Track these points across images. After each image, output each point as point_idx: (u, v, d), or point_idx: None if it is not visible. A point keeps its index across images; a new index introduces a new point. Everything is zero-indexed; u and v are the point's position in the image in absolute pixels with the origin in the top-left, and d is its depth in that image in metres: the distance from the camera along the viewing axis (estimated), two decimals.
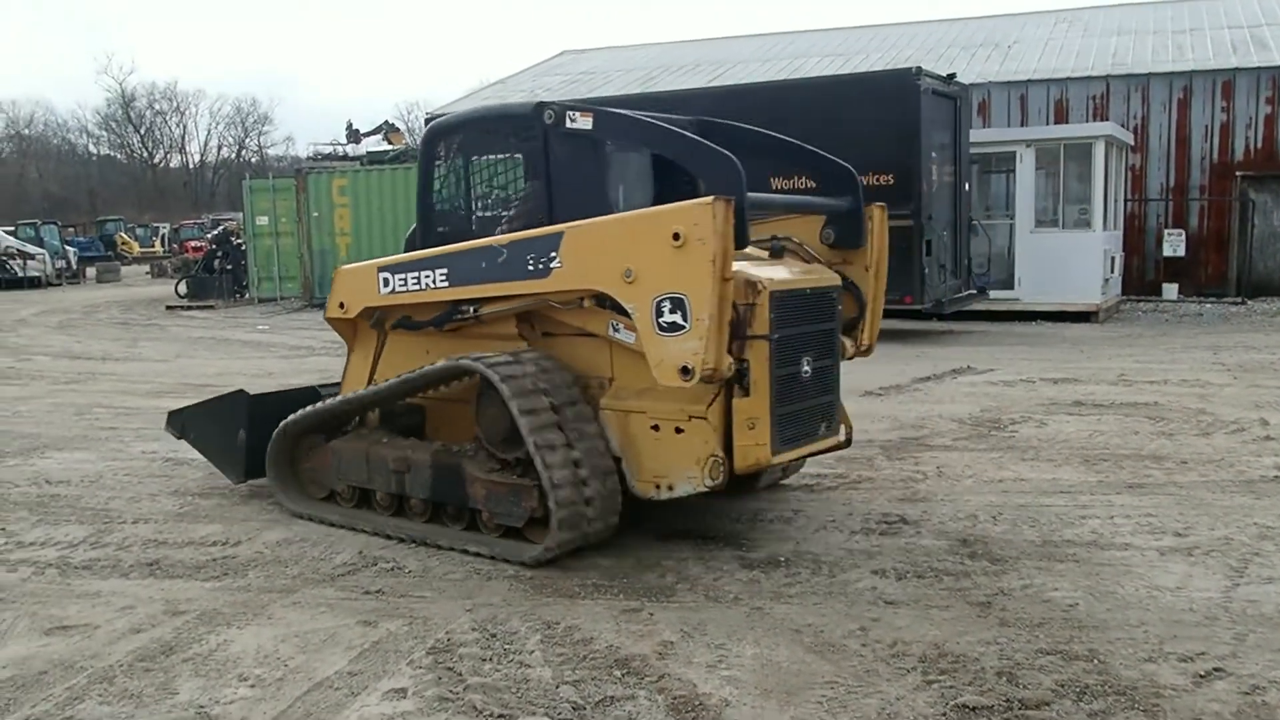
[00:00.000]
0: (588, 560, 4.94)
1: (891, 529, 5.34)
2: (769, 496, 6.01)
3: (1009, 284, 16.26)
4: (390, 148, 25.59)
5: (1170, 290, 19.49)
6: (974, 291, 14.83)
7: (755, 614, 4.24)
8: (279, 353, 14.23)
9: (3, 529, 5.70)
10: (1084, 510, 5.59)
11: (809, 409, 5.10)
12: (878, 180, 13.27)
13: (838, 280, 5.29)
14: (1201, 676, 3.58)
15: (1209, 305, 18.19)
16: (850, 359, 5.45)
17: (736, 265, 4.62)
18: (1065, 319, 15.61)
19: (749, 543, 5.17)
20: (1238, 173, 19.64)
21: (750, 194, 4.68)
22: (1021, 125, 20.50)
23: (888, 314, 15.43)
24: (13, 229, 37.99)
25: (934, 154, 13.51)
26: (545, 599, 4.47)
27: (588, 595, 4.50)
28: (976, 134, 16.38)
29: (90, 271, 36.50)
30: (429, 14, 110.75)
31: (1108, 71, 20.66)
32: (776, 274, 5.01)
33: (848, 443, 5.45)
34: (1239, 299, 18.74)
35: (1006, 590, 4.43)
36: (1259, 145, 19.49)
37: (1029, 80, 21.04)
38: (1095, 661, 3.72)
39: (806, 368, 5.03)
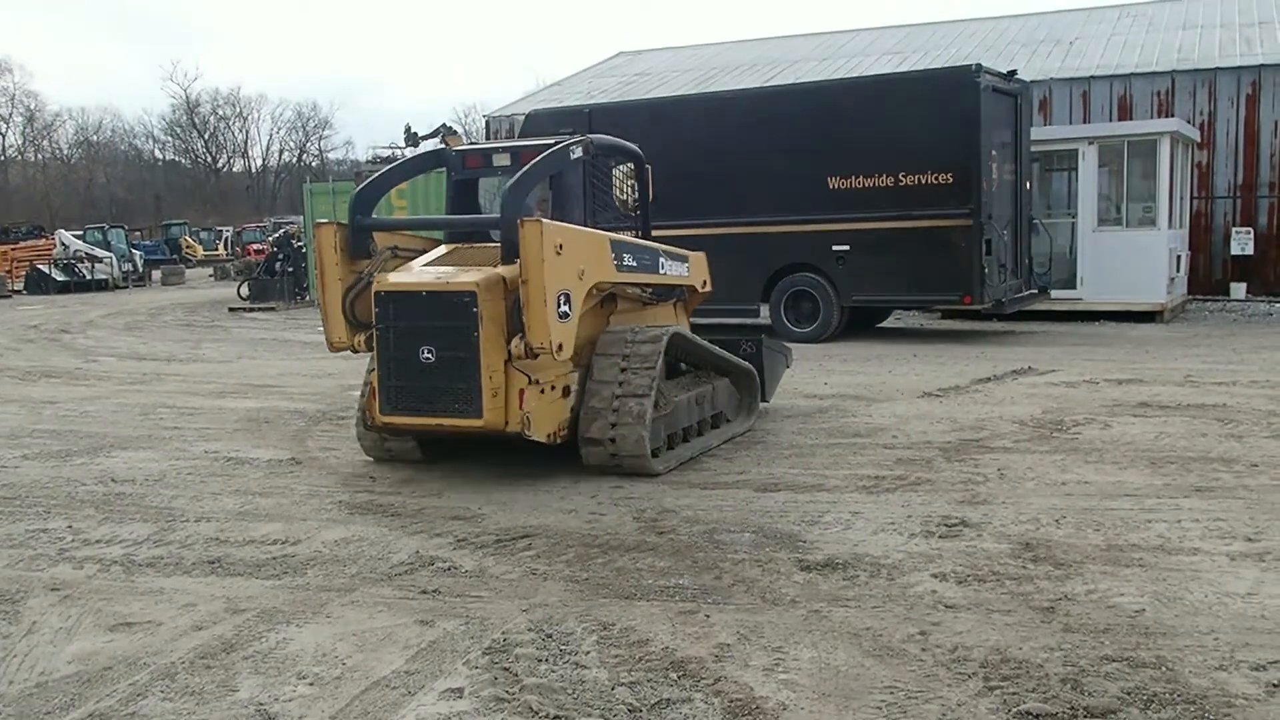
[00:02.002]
0: (644, 561, 4.92)
1: (952, 532, 5.26)
2: (827, 499, 5.96)
3: (1071, 283, 15.96)
4: None
5: (1238, 289, 19.02)
6: (1035, 291, 14.62)
7: (813, 617, 4.20)
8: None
9: (70, 526, 5.82)
10: (1150, 514, 5.46)
11: (429, 388, 6.29)
12: (937, 179, 13.12)
13: (472, 285, 6.17)
14: (1275, 686, 3.47)
15: (1279, 305, 17.72)
16: (521, 358, 6.19)
17: (421, 266, 6.60)
18: (1129, 319, 15.32)
19: (806, 544, 5.12)
20: None
21: (374, 218, 6.92)
22: (1084, 122, 20.12)
23: (948, 314, 15.08)
24: (81, 233, 38.93)
25: (994, 152, 13.31)
26: (601, 600, 4.46)
27: (643, 596, 4.48)
28: (1038, 132, 16.12)
29: (156, 274, 37.26)
30: (486, 17, 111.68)
31: (1173, 67, 20.21)
32: (404, 277, 6.45)
33: (524, 436, 6.36)
34: None
35: (1070, 595, 4.34)
36: None
37: (1091, 76, 20.65)
38: (1163, 669, 3.62)
39: (428, 354, 6.23)
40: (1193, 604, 4.21)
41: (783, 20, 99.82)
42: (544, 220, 6.13)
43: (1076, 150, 16.14)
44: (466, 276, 6.28)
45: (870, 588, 4.51)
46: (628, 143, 8.09)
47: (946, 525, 5.37)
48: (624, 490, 6.33)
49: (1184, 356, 11.60)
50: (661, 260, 7.59)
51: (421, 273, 6.52)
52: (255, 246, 43.33)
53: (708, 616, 4.23)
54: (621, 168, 8.04)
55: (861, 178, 13.61)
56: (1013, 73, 14.07)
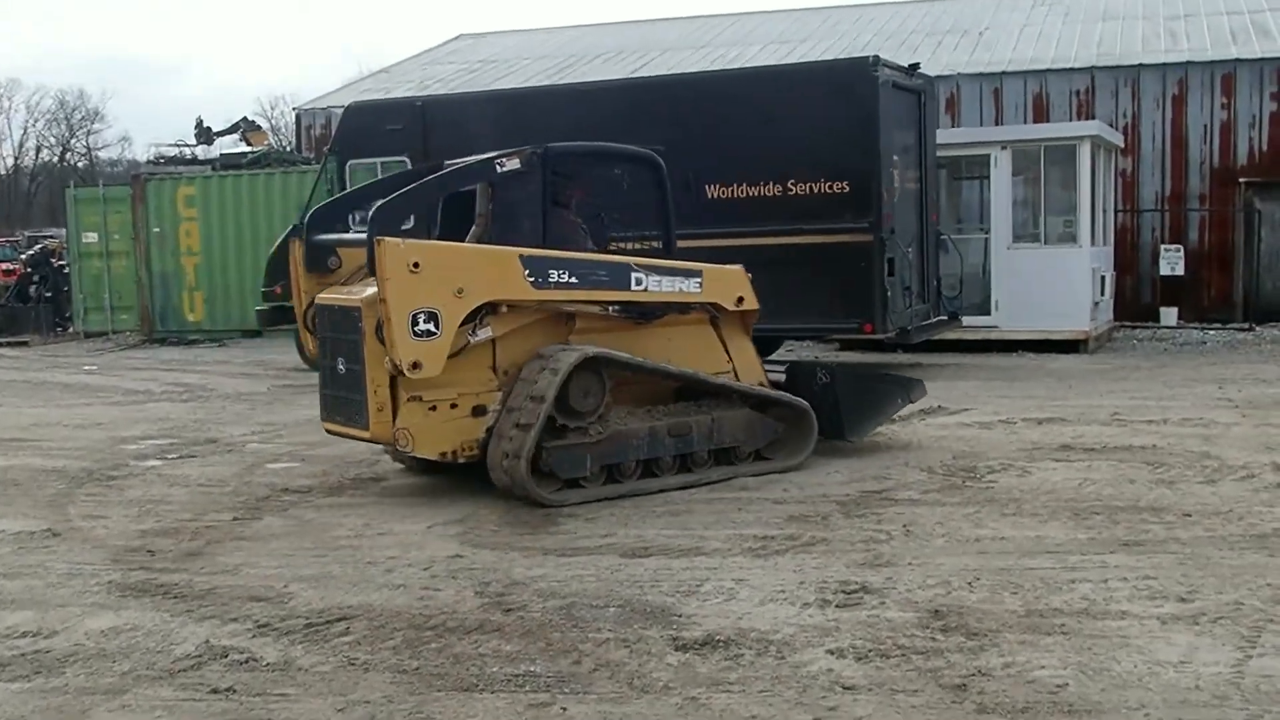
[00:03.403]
0: (488, 645, 4.88)
1: (851, 600, 5.37)
2: (706, 564, 6.02)
3: (985, 309, 16.51)
4: (249, 149, 25.30)
5: (1169, 315, 19.99)
6: (944, 318, 15.04)
7: (689, 705, 4.22)
8: (110, 397, 13.92)
9: None
10: (1073, 573, 5.68)
11: (342, 398, 7.80)
12: (830, 189, 13.45)
13: (358, 302, 7.56)
14: None
15: (1213, 332, 18.71)
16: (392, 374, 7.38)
17: (360, 283, 7.95)
18: (1050, 349, 15.93)
19: (682, 619, 5.15)
20: (1241, 179, 20.28)
21: (330, 236, 8.59)
22: (996, 124, 20.98)
23: (847, 345, 15.62)
24: None
25: (895, 157, 13.73)
26: (435, 694, 4.40)
27: (487, 688, 4.44)
28: (944, 134, 16.67)
29: None
30: None
31: (1093, 63, 21.27)
32: (328, 292, 8.10)
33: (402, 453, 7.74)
34: (1246, 324, 19.31)
35: (985, 670, 4.47)
36: (1264, 147, 20.15)
37: (1004, 72, 21.58)
38: None
39: (340, 366, 7.76)
40: (1120, 676, 4.38)
41: (652, 1, 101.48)
42: (399, 240, 7.31)
43: (988, 156, 16.76)
44: (359, 294, 7.65)
45: (757, 668, 4.56)
46: (628, 147, 8.79)
47: (845, 592, 5.48)
48: (464, 559, 6.28)
49: (1110, 392, 12.13)
50: (636, 275, 8.00)
51: (341, 289, 8.09)
52: (4, 266, 41.61)
53: (564, 709, 4.22)
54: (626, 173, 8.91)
55: (744, 186, 13.86)
56: (915, 66, 14.56)
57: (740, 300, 8.54)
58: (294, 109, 27.86)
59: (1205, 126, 20.47)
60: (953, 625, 4.97)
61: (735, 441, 8.24)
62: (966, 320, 15.81)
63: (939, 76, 19.45)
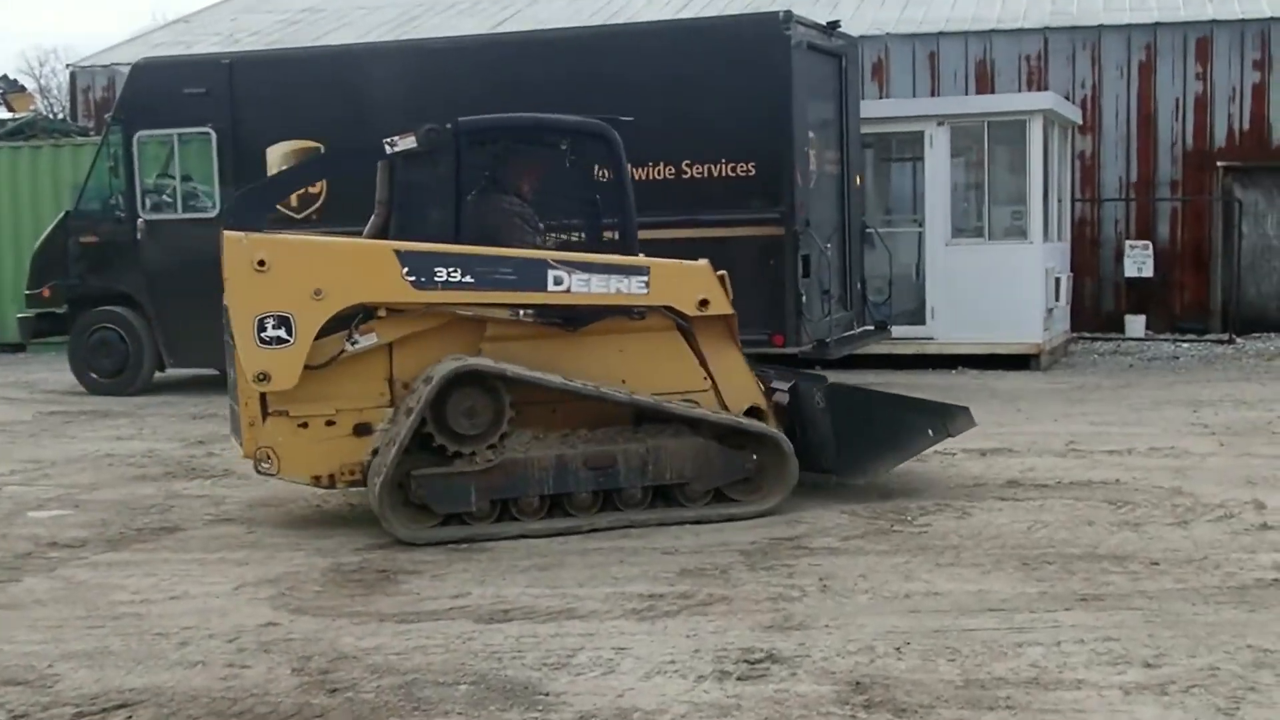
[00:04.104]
0: None
1: (756, 671, 5.39)
2: (581, 630, 6.02)
3: (918, 317, 16.74)
4: (12, 116, 24.71)
5: (1135, 324, 20.51)
6: (870, 328, 15.20)
7: None
8: None
9: None
10: (1021, 634, 5.77)
11: (233, 412, 8.49)
12: (734, 171, 13.56)
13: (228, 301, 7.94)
14: None
15: (1187, 344, 19.24)
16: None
17: None
18: (996, 365, 16.20)
19: (549, 698, 5.13)
20: (1219, 163, 20.92)
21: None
22: (932, 94, 21.33)
23: (755, 360, 15.55)
24: None
25: (811, 134, 13.90)
26: None
27: None
28: (870, 106, 16.90)
29: None
30: None
31: (1046, 22, 21.75)
32: None
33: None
34: (1225, 335, 19.90)
35: None
36: (1245, 126, 20.81)
37: (941, 32, 21.96)
38: None
39: (231, 374, 8.36)
40: None
41: None
42: (243, 234, 7.69)
43: (922, 133, 17.00)
44: None
45: None
46: (569, 117, 8.80)
47: (748, 662, 5.50)
48: (279, 628, 6.19)
49: (1066, 416, 12.39)
50: (555, 274, 8.02)
51: None
52: None
53: None
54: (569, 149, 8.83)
55: (632, 168, 13.88)
56: (835, 24, 14.77)
57: (704, 303, 8.40)
58: (68, 66, 27.22)
59: (1177, 100, 21.05)
60: (877, 700, 5.01)
61: (680, 478, 8.15)
62: (897, 331, 15.95)
63: (864, 37, 19.74)
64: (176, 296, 15.23)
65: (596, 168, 8.95)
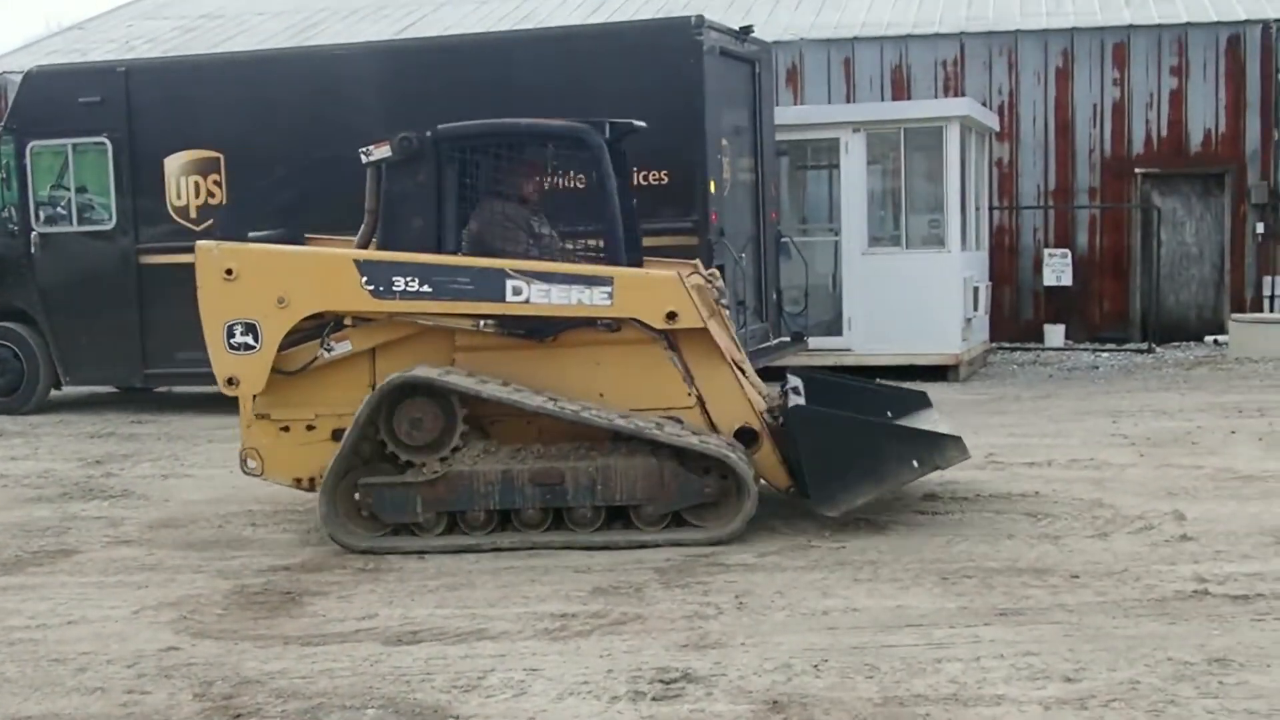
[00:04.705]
0: None
1: (670, 691, 5.41)
2: (492, 651, 6.01)
3: (835, 328, 16.82)
4: None
5: (1054, 334, 20.77)
6: (786, 340, 15.25)
7: None
8: None
9: None
10: (940, 650, 5.83)
11: None
12: (644, 180, 13.55)
13: None
14: None
15: (1106, 354, 19.52)
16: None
17: None
18: (913, 376, 16.25)
19: None
20: (1137, 170, 21.26)
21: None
22: (847, 101, 21.50)
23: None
24: None
25: (725, 141, 13.94)
26: None
27: None
28: (785, 113, 16.97)
29: None
30: None
31: (962, 27, 22.00)
32: None
33: None
34: (1145, 345, 20.22)
35: None
36: (1163, 132, 21.16)
37: (856, 37, 22.15)
38: None
39: None
40: None
41: None
42: (214, 244, 8.35)
43: (838, 140, 17.12)
44: None
45: None
46: (550, 122, 8.86)
47: (663, 681, 5.51)
48: (181, 653, 6.14)
49: (985, 428, 12.50)
50: (514, 284, 8.07)
51: None
52: None
53: None
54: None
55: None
56: (748, 29, 14.83)
57: (672, 316, 8.17)
58: None
59: (1095, 106, 21.36)
60: (795, 719, 5.05)
61: (631, 499, 7.97)
62: (814, 342, 15.97)
63: (778, 42, 19.85)
64: (72, 312, 15.07)
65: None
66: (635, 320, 8.24)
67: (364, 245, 8.67)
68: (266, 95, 14.62)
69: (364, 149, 8.60)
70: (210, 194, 14.79)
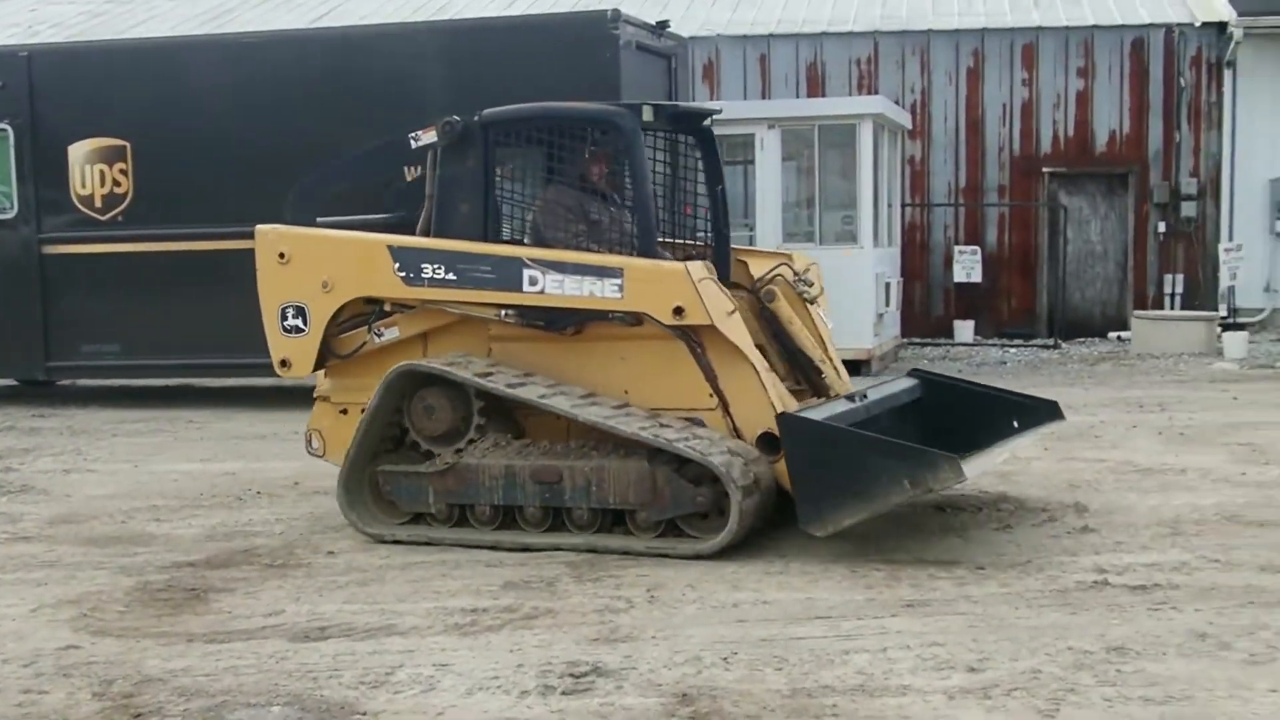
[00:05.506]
0: None
1: (581, 685, 5.40)
2: (401, 646, 5.98)
3: None
4: None
5: (964, 330, 21.04)
6: None
7: None
8: None
9: None
10: (848, 642, 5.88)
11: None
12: None
13: None
14: None
15: (1014, 350, 19.78)
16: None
17: None
18: None
19: (367, 717, 5.10)
20: (1044, 169, 21.58)
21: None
22: (763, 97, 21.63)
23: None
24: None
25: None
26: None
27: None
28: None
29: None
30: None
31: (876, 26, 22.20)
32: None
33: None
34: (1051, 340, 20.51)
35: None
36: (1070, 131, 21.51)
37: (772, 34, 22.27)
38: None
39: None
40: None
41: None
42: (272, 228, 8.49)
43: (753, 136, 17.22)
44: None
45: None
46: (591, 105, 8.71)
47: (573, 675, 5.51)
48: (80, 651, 6.05)
49: None
50: (530, 273, 7.93)
51: None
52: None
53: None
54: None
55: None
56: (664, 24, 14.90)
57: (679, 311, 7.70)
58: None
59: (1005, 106, 21.66)
60: (704, 712, 5.06)
61: (624, 503, 7.58)
62: None
63: (694, 38, 19.92)
64: None
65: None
66: (646, 315, 7.85)
67: (423, 232, 8.56)
68: (176, 83, 14.45)
69: (412, 134, 8.62)
70: (116, 183, 14.58)
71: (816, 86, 21.79)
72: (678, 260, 8.09)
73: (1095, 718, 4.92)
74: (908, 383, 9.14)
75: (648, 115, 8.41)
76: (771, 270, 8.71)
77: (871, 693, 5.24)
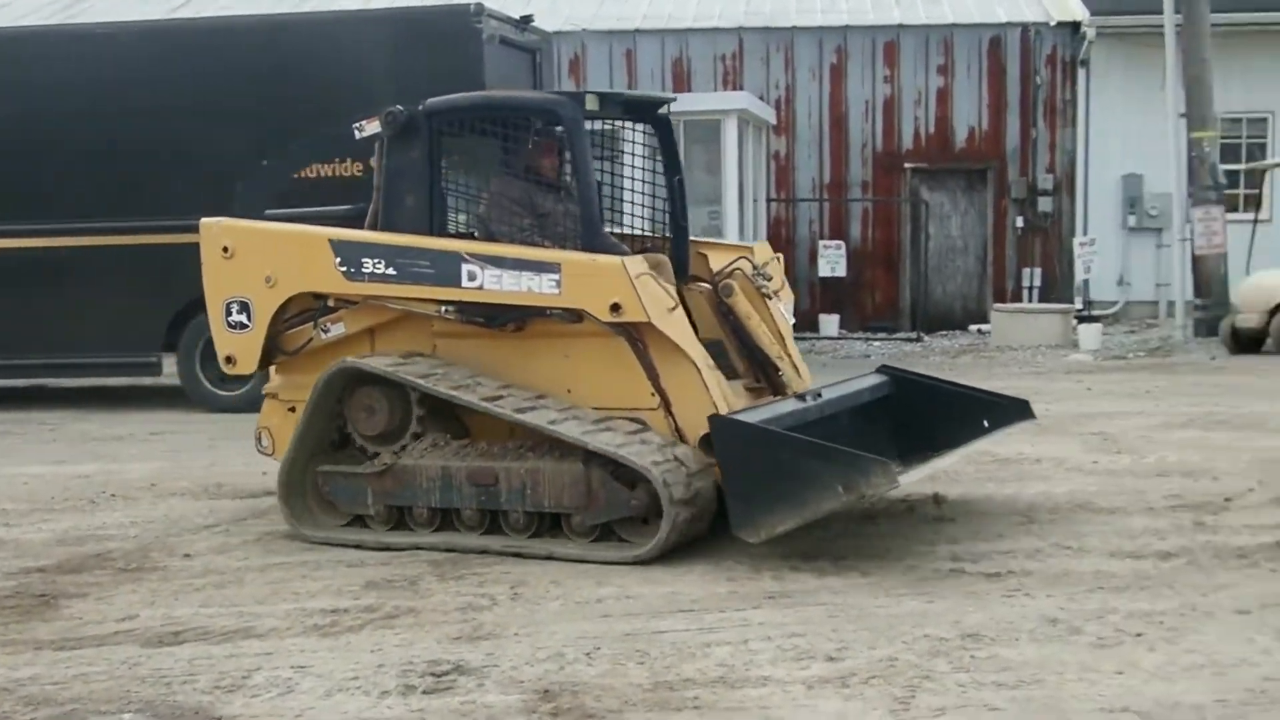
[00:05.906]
0: None
1: (442, 684, 5.38)
2: (259, 649, 5.91)
3: None
4: None
5: (829, 324, 21.33)
6: None
7: None
8: None
9: None
10: (710, 634, 5.91)
11: None
12: None
13: None
14: None
15: (878, 343, 20.06)
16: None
17: None
18: None
19: None
20: (906, 165, 21.93)
21: None
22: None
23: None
24: None
25: None
26: None
27: None
28: None
29: None
30: None
31: (740, 22, 22.39)
32: None
33: None
34: (914, 334, 20.84)
35: None
36: (930, 129, 21.88)
37: (638, 30, 22.37)
38: None
39: None
40: None
41: None
42: (216, 221, 8.35)
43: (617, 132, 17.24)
44: None
45: None
46: (532, 94, 8.84)
47: (435, 674, 5.48)
48: None
49: None
50: (469, 268, 7.73)
51: None
52: None
53: None
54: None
55: (316, 166, 13.70)
56: (529, 18, 14.89)
57: (616, 308, 7.44)
58: None
59: (867, 103, 21.99)
60: (565, 707, 5.06)
61: (559, 507, 7.39)
62: None
63: (559, 33, 19.96)
64: None
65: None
66: (585, 312, 7.62)
67: (371, 225, 8.35)
68: (25, 75, 14.12)
69: (356, 124, 8.46)
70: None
71: (682, 82, 21.92)
72: (634, 254, 7.93)
73: (949, 703, 4.99)
74: (875, 380, 8.91)
75: (592, 104, 8.19)
76: (730, 264, 8.47)
77: (732, 684, 5.27)
